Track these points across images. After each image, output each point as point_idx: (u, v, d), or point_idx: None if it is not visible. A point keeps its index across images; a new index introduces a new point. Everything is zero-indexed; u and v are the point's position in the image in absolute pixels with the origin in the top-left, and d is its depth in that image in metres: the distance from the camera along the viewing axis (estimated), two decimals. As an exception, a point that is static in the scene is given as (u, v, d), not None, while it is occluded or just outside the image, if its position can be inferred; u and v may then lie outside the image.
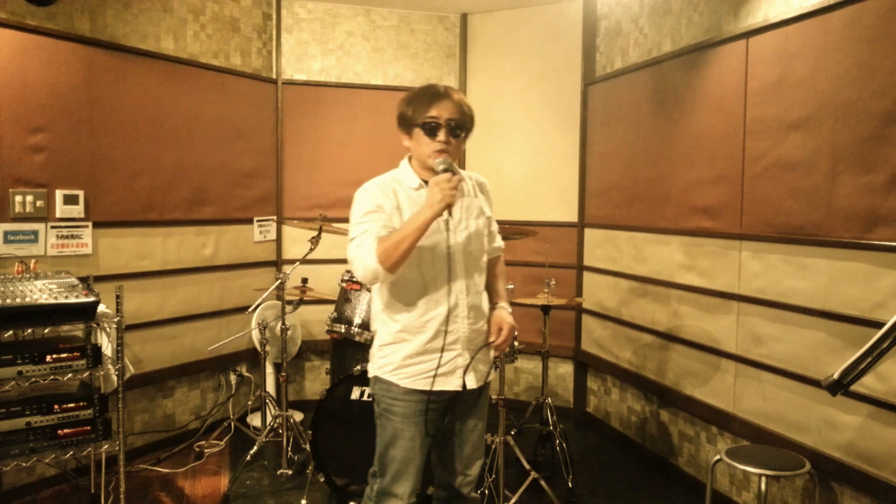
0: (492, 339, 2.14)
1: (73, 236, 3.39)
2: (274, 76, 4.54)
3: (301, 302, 3.84)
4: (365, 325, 3.37)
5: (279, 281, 3.56)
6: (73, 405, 2.59)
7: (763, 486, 2.52)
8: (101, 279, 3.44)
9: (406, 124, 2.11)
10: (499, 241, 2.35)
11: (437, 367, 2.05)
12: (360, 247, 2.01)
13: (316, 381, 4.74)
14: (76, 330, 2.86)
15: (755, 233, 2.96)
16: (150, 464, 3.69)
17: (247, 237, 4.41)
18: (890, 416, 2.35)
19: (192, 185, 4.01)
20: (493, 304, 2.23)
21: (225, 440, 4.05)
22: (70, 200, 3.37)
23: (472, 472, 2.23)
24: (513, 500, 3.10)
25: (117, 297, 2.69)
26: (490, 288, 2.26)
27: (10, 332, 2.48)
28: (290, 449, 3.64)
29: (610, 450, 4.08)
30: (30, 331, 2.62)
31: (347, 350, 3.52)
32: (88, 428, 2.61)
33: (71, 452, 2.57)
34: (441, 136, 2.04)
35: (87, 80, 3.43)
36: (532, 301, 3.45)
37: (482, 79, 4.79)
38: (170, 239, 3.90)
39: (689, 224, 3.40)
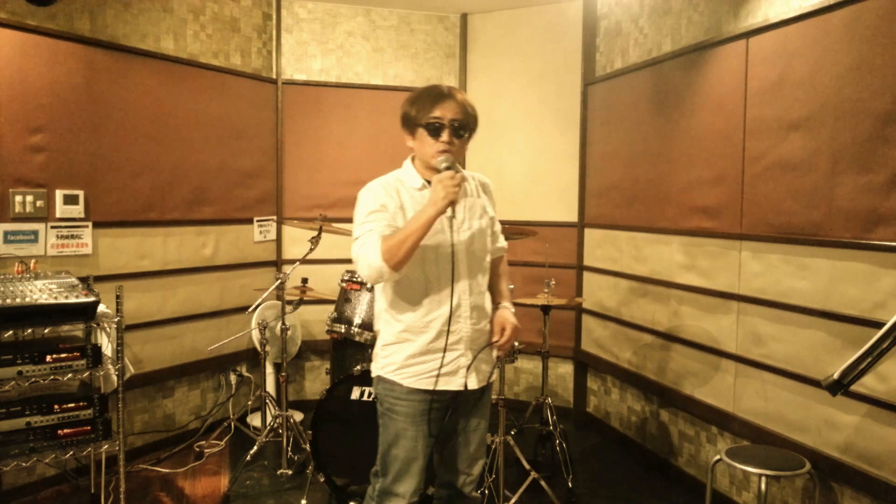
0: (495, 339, 2.15)
1: (73, 236, 3.39)
2: (274, 76, 4.54)
3: (301, 302, 3.84)
4: (365, 325, 3.37)
5: (279, 281, 3.56)
6: (73, 405, 2.59)
7: (763, 486, 2.52)
8: (101, 279, 3.43)
9: (410, 124, 2.11)
10: (502, 242, 2.35)
11: (440, 367, 2.06)
12: (365, 245, 2.01)
13: (316, 381, 4.74)
14: (76, 330, 2.86)
15: (755, 233, 2.96)
16: (150, 464, 3.69)
17: (247, 237, 4.41)
18: (890, 415, 2.36)
19: (192, 184, 4.01)
20: (496, 304, 2.24)
21: (225, 440, 4.05)
22: (70, 200, 3.37)
23: (475, 471, 2.24)
24: (513, 500, 3.10)
25: (117, 297, 2.69)
26: (493, 288, 2.26)
27: (10, 332, 2.48)
28: (290, 449, 3.64)
29: (610, 450, 4.08)
30: (30, 331, 2.62)
31: (347, 350, 3.53)
32: (88, 428, 2.61)
33: (71, 452, 2.57)
34: (445, 136, 2.04)
35: (87, 80, 3.43)
36: (532, 301, 3.45)
37: (482, 79, 4.79)
38: (170, 239, 3.89)
39: (689, 224, 3.40)
